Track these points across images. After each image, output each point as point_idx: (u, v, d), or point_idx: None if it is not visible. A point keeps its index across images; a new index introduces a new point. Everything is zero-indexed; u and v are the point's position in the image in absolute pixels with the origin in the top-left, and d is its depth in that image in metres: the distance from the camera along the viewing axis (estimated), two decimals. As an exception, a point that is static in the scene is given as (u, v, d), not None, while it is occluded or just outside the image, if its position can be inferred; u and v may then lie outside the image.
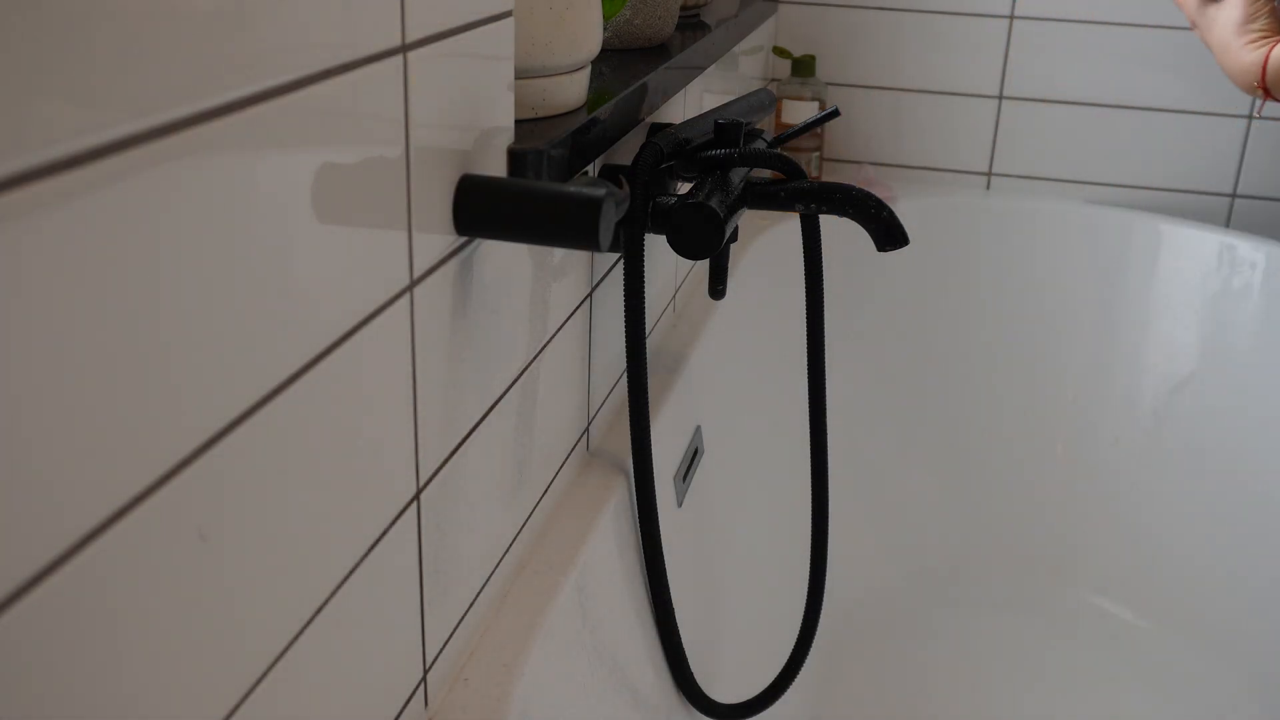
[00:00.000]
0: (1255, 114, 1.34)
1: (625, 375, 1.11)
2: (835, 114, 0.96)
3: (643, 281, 0.88)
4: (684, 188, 0.93)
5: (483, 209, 0.64)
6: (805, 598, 1.12)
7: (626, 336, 0.88)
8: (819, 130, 1.76)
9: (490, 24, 0.66)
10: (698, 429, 1.22)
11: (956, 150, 1.82)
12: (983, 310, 1.77)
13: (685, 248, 0.84)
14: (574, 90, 0.79)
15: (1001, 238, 1.77)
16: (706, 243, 0.84)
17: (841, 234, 1.44)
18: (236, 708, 0.49)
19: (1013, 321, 1.76)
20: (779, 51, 1.75)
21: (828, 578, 1.12)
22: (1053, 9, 1.72)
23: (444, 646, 0.72)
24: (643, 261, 0.88)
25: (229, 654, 0.48)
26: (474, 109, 0.65)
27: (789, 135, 0.99)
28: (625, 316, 0.88)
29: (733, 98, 1.03)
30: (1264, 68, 1.07)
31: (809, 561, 1.11)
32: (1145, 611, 1.61)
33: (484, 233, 0.66)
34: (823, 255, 1.02)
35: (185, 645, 0.45)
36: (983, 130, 1.80)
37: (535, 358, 0.83)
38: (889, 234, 0.85)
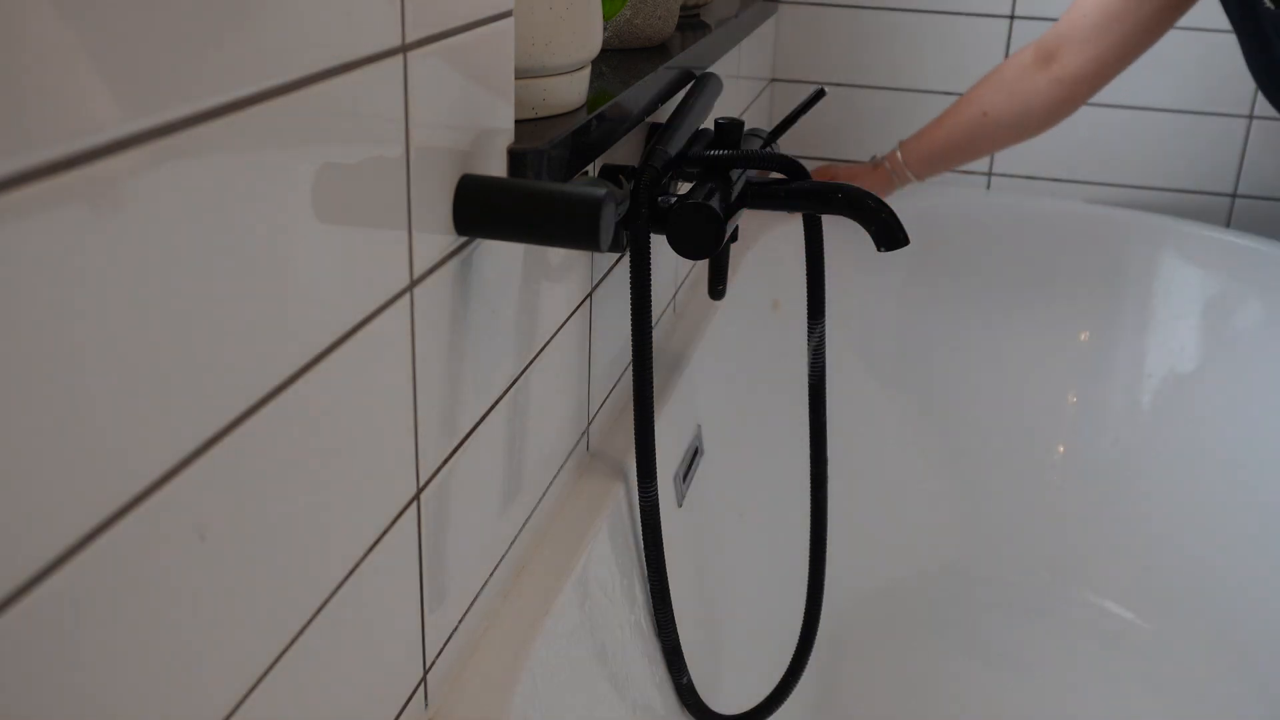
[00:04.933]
0: None
1: (626, 375, 1.11)
2: (821, 94, 0.96)
3: (649, 282, 0.87)
4: (684, 188, 0.93)
5: (483, 209, 0.64)
6: (805, 599, 1.12)
7: (633, 336, 0.88)
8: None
9: (490, 24, 0.66)
10: (698, 429, 1.22)
11: (956, 150, 1.82)
12: (983, 310, 1.77)
13: (685, 248, 0.84)
14: (574, 90, 0.79)
15: (1001, 238, 1.77)
16: (706, 243, 0.84)
17: (842, 234, 1.44)
18: (236, 708, 0.49)
19: (1013, 322, 1.76)
20: None
21: (827, 579, 1.12)
22: (1053, 9, 1.72)
23: (444, 646, 0.72)
24: (649, 262, 0.87)
25: (229, 654, 0.48)
26: (474, 109, 0.65)
27: (781, 128, 0.99)
28: (632, 317, 0.88)
29: (681, 98, 1.02)
30: None
31: (808, 562, 1.11)
32: (1146, 612, 1.61)
33: (484, 233, 0.66)
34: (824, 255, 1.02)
35: (185, 645, 0.45)
36: (983, 130, 1.80)
37: (535, 358, 0.83)
38: (889, 234, 0.85)
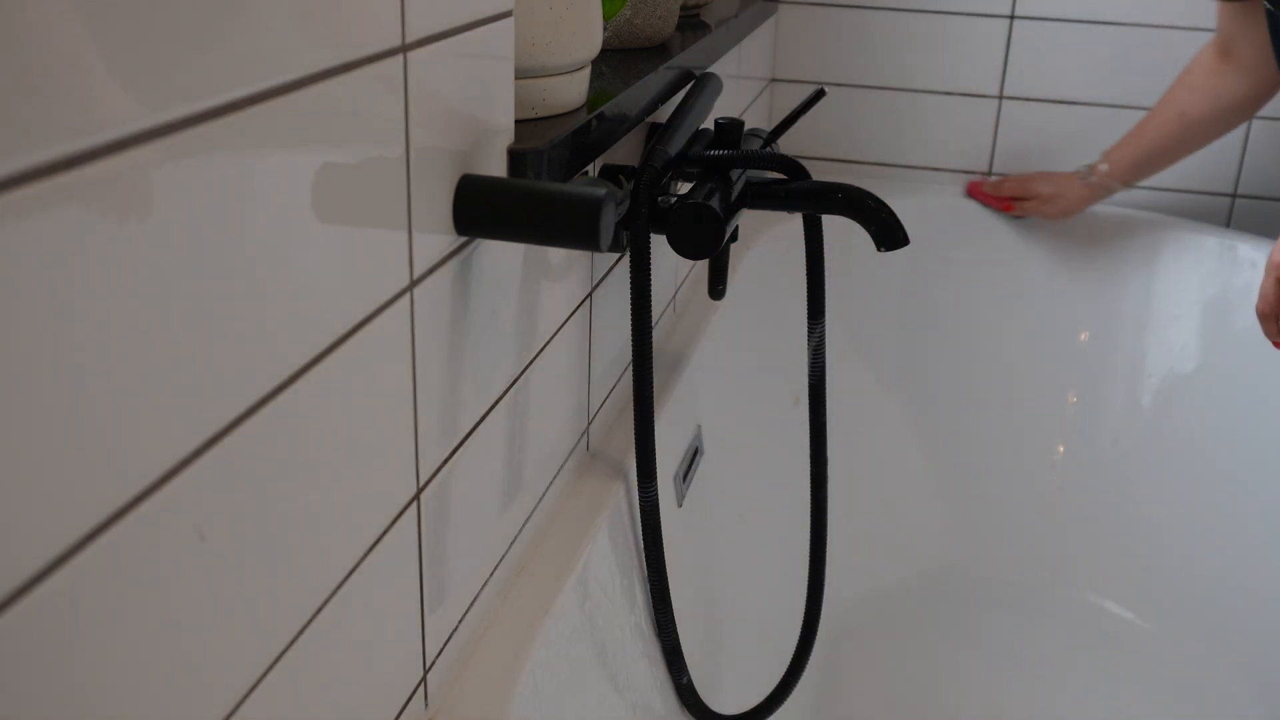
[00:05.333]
0: None
1: (626, 375, 1.11)
2: (821, 94, 0.96)
3: (649, 282, 0.87)
4: (684, 187, 0.93)
5: (483, 209, 0.64)
6: (805, 599, 1.12)
7: (633, 336, 0.88)
8: None
9: (490, 24, 0.66)
10: (698, 429, 1.22)
11: (956, 150, 1.82)
12: (983, 310, 1.77)
13: (685, 248, 0.84)
14: (574, 90, 0.79)
15: (1002, 237, 1.77)
16: (706, 243, 0.84)
17: (841, 234, 1.44)
18: (236, 708, 0.49)
19: (1013, 321, 1.76)
20: None
21: (827, 578, 1.12)
22: (1053, 9, 1.72)
23: (444, 646, 0.72)
24: (649, 262, 0.87)
25: (228, 654, 0.48)
26: (474, 109, 0.65)
27: (781, 128, 0.99)
28: (632, 317, 0.88)
29: (682, 98, 1.02)
30: None
31: (808, 562, 1.11)
32: (1145, 612, 1.61)
33: (484, 233, 0.66)
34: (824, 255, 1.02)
35: (185, 646, 0.45)
36: (983, 130, 1.80)
37: (535, 358, 0.83)
38: (889, 234, 0.85)
